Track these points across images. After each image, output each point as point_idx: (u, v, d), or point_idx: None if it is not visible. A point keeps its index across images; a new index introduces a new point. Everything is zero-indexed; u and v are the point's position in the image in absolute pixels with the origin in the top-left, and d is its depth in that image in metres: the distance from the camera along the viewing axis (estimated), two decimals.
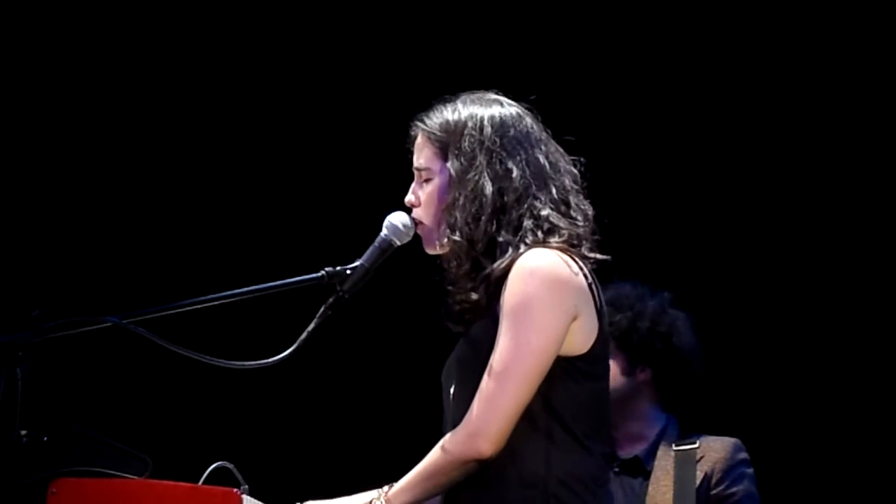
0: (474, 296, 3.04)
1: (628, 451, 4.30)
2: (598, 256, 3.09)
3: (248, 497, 3.02)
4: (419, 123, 3.18)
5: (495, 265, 3.02)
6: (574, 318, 2.99)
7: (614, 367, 4.29)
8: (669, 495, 4.17)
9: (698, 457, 4.21)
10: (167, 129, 5.82)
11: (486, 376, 2.95)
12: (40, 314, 3.00)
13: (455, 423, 2.99)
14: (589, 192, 3.16)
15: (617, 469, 4.27)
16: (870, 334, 5.34)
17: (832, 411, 5.33)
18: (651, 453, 4.26)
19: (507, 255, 3.02)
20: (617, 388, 4.26)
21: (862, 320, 5.35)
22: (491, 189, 3.05)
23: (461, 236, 3.05)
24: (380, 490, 3.04)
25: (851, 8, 5.38)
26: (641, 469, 4.26)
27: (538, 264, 2.98)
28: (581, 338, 3.00)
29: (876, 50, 5.37)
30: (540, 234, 3.03)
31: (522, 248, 3.02)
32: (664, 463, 4.22)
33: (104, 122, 5.79)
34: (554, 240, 3.03)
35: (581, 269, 3.03)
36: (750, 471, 4.22)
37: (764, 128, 5.49)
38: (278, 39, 5.80)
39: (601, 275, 3.12)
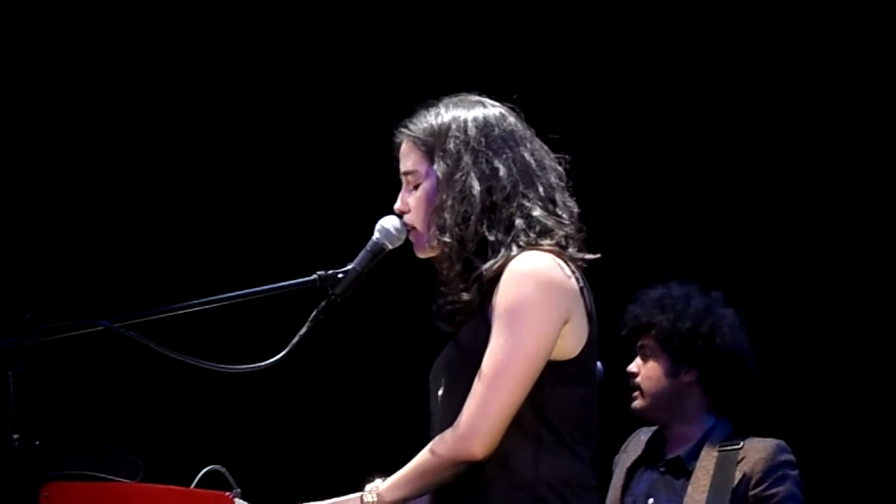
0: (466, 296, 3.04)
1: (675, 452, 4.29)
2: (588, 256, 3.09)
3: (241, 500, 3.02)
4: (403, 129, 3.18)
5: (487, 265, 3.01)
6: (565, 322, 2.98)
7: (658, 369, 4.29)
8: (706, 495, 4.15)
9: (740, 458, 4.17)
10: (161, 133, 5.83)
11: (478, 379, 2.94)
12: (32, 318, 3.00)
13: (442, 426, 2.99)
14: (583, 190, 3.16)
15: (663, 469, 4.28)
16: None
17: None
18: (694, 454, 4.24)
19: (500, 256, 3.01)
20: (661, 390, 4.28)
21: None
22: (479, 188, 3.05)
23: (451, 237, 3.05)
24: (371, 484, 3.04)
25: (851, 8, 5.38)
26: (684, 469, 4.24)
27: (532, 267, 2.98)
28: (571, 341, 2.99)
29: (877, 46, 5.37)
30: (532, 235, 3.03)
31: (515, 249, 3.01)
32: (706, 463, 4.20)
33: (97, 126, 5.80)
34: (546, 242, 3.03)
35: (573, 272, 3.03)
36: (794, 472, 4.16)
37: (767, 120, 5.47)
38: (267, 48, 5.81)
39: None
